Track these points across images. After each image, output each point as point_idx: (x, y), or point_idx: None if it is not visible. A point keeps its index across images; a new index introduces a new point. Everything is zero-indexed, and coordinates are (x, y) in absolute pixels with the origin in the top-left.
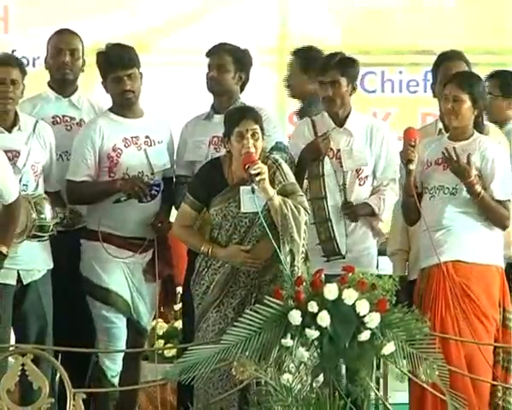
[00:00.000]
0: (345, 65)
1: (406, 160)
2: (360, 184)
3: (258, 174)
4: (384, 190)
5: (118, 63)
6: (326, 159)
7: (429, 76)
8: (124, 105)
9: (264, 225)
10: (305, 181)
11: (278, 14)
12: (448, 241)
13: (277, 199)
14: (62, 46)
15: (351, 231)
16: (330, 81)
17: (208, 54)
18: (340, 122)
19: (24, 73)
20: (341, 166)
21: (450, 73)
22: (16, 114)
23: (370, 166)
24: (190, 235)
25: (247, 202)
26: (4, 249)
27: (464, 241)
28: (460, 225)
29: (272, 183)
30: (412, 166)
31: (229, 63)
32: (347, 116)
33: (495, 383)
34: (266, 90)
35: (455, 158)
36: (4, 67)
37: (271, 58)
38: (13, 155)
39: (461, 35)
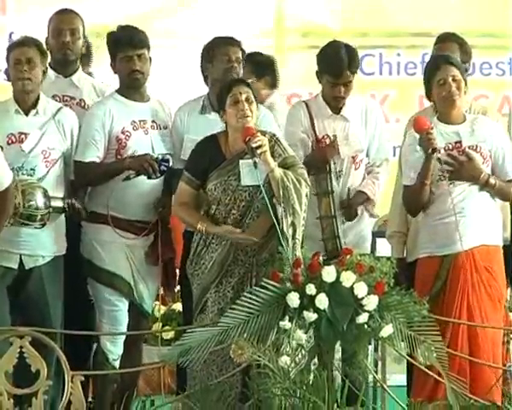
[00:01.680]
0: (353, 61)
1: (432, 149)
2: (356, 168)
3: (258, 147)
4: (377, 173)
5: (128, 42)
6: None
7: (427, 58)
8: (132, 86)
9: (266, 198)
10: (314, 198)
11: None
12: (470, 227)
13: (278, 171)
14: (63, 26)
15: None
16: (344, 83)
17: (226, 42)
18: (336, 109)
19: (43, 53)
20: (338, 153)
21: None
22: (38, 98)
23: (365, 148)
24: (188, 214)
25: (247, 176)
26: None
27: (483, 224)
28: (478, 209)
29: (272, 156)
30: (438, 154)
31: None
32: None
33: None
34: None
35: (464, 159)
36: (19, 47)
37: (268, 41)
38: (25, 138)
39: (459, 17)
